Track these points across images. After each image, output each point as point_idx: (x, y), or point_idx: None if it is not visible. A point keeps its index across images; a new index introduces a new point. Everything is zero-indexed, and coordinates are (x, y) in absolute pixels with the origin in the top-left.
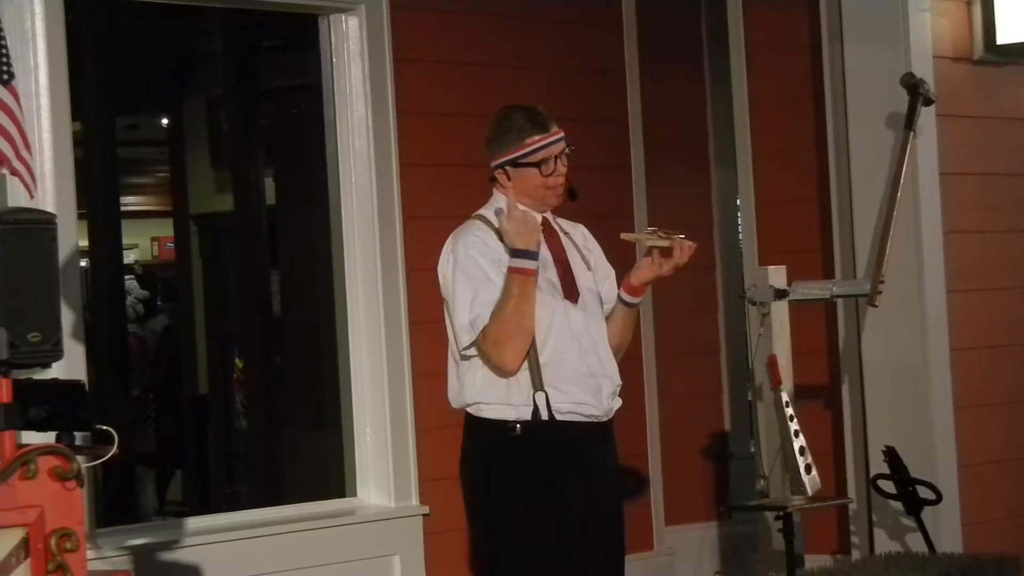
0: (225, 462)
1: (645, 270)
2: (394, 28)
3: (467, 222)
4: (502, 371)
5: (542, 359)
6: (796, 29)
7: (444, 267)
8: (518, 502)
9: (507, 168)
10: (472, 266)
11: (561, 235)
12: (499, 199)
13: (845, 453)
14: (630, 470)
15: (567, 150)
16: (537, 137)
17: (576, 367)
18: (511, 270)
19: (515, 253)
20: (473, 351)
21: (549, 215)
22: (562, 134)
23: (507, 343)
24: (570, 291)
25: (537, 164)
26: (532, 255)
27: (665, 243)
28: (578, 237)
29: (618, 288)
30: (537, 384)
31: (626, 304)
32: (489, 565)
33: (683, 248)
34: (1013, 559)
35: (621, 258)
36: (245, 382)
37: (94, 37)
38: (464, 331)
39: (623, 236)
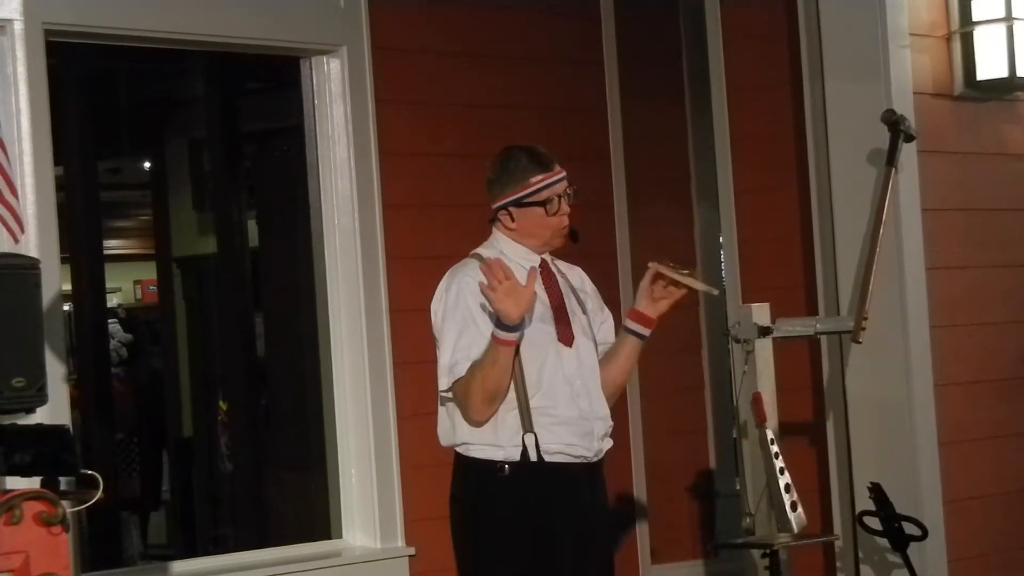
0: (210, 505)
1: (664, 303)
2: (376, 69)
3: (463, 261)
4: (469, 421)
5: (533, 402)
6: (777, 66)
7: (436, 306)
8: (506, 542)
9: (511, 209)
10: (460, 309)
11: (559, 277)
12: (499, 239)
13: (831, 490)
14: (616, 508)
15: (570, 190)
16: (541, 176)
17: (567, 411)
18: (494, 338)
19: (500, 324)
20: (450, 394)
21: (548, 256)
22: (564, 173)
23: (478, 402)
24: (565, 335)
25: (542, 203)
26: (517, 328)
27: (702, 287)
28: (575, 279)
29: (624, 321)
30: (527, 426)
31: (641, 337)
32: None
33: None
34: None
35: (614, 296)
36: (230, 424)
37: (76, 81)
38: (444, 374)
39: (660, 269)
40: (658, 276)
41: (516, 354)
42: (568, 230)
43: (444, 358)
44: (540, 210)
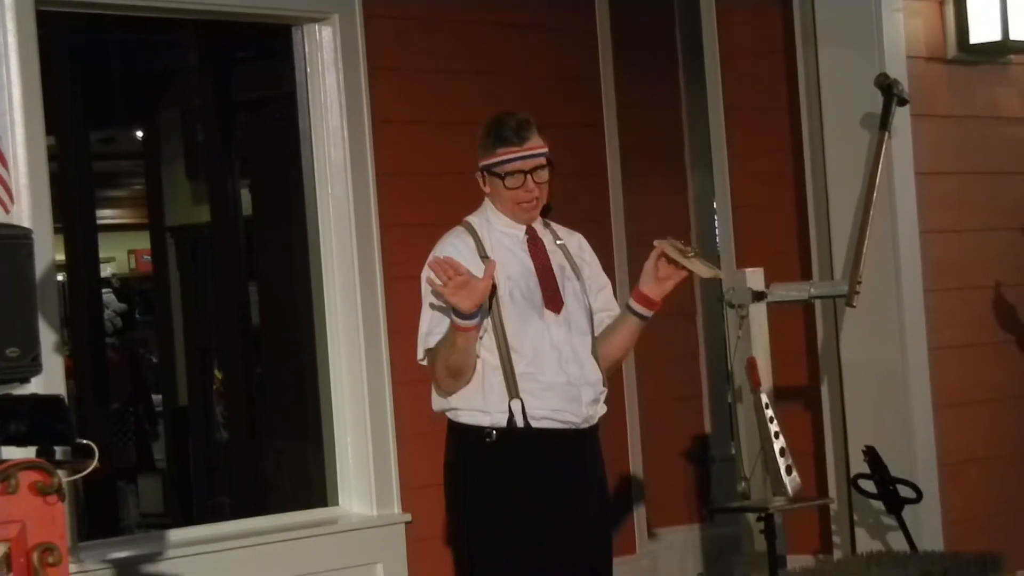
0: (207, 473)
1: (669, 283)
2: (368, 37)
3: (453, 229)
4: (439, 392)
5: (518, 369)
6: (770, 33)
7: (423, 273)
8: (495, 508)
9: (484, 174)
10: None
11: (550, 243)
12: (487, 207)
13: (825, 454)
14: (612, 474)
15: (545, 167)
16: (508, 149)
17: (554, 377)
18: (452, 324)
19: (456, 312)
20: (425, 363)
21: (538, 223)
22: (539, 150)
23: (443, 377)
24: (552, 301)
25: (502, 176)
26: (471, 316)
27: (706, 272)
28: (573, 246)
29: (627, 301)
30: (513, 392)
31: (643, 318)
32: (469, 571)
33: (705, 271)
34: (994, 556)
35: (608, 263)
36: (225, 393)
37: (68, 51)
38: (420, 343)
39: (667, 250)
40: (663, 256)
41: (496, 324)
42: (533, 204)
43: (421, 327)
44: (500, 181)
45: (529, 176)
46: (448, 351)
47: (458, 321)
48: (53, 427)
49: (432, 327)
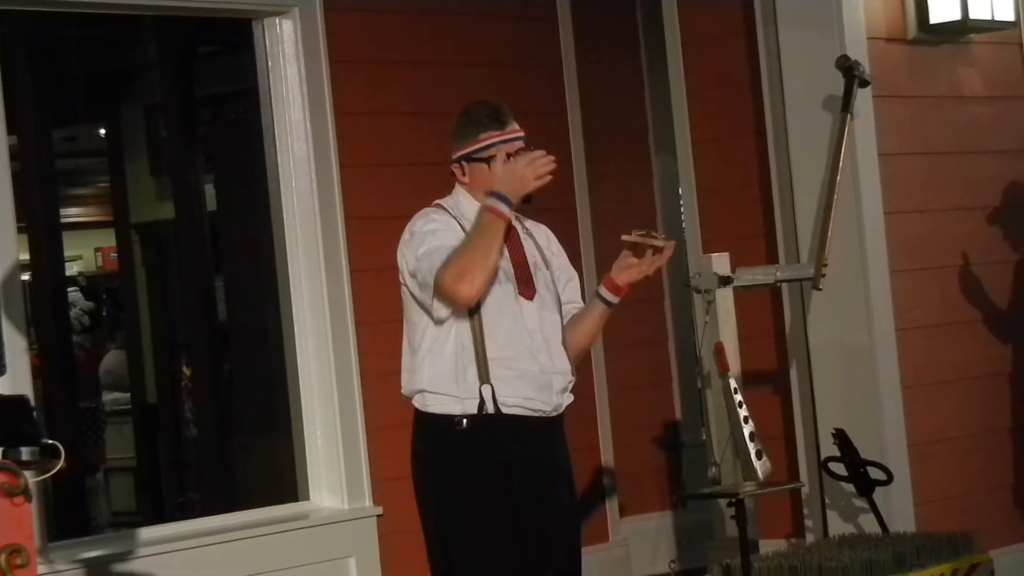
0: (176, 470)
1: (635, 270)
2: (329, 29)
3: (423, 210)
4: (458, 300)
5: (490, 353)
6: (731, 16)
7: (401, 247)
8: (466, 496)
9: (463, 163)
10: (424, 233)
11: (521, 233)
12: (459, 193)
13: (795, 437)
14: (583, 462)
15: (527, 149)
16: (491, 133)
17: (527, 365)
18: (484, 207)
19: (493, 194)
20: (422, 293)
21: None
22: (520, 133)
23: (468, 272)
24: (526, 288)
25: (487, 160)
26: (508, 201)
27: (659, 243)
28: (541, 238)
29: (597, 287)
30: (484, 376)
31: (608, 304)
32: (443, 562)
33: (669, 247)
34: (966, 536)
35: (575, 251)
36: (194, 390)
37: (27, 49)
38: (419, 271)
39: (625, 238)
40: (629, 247)
41: (472, 308)
42: None
43: (412, 265)
44: (486, 166)
45: (512, 159)
46: (487, 243)
47: (498, 204)
48: (18, 427)
49: (429, 248)
